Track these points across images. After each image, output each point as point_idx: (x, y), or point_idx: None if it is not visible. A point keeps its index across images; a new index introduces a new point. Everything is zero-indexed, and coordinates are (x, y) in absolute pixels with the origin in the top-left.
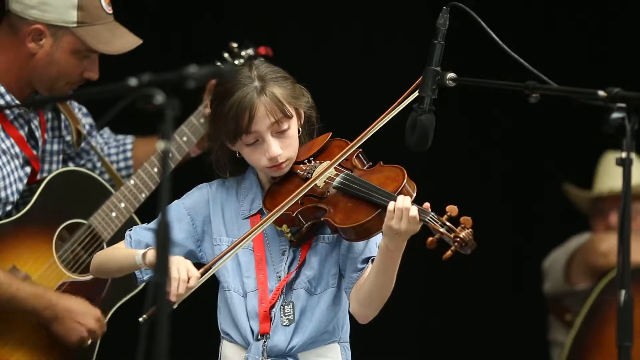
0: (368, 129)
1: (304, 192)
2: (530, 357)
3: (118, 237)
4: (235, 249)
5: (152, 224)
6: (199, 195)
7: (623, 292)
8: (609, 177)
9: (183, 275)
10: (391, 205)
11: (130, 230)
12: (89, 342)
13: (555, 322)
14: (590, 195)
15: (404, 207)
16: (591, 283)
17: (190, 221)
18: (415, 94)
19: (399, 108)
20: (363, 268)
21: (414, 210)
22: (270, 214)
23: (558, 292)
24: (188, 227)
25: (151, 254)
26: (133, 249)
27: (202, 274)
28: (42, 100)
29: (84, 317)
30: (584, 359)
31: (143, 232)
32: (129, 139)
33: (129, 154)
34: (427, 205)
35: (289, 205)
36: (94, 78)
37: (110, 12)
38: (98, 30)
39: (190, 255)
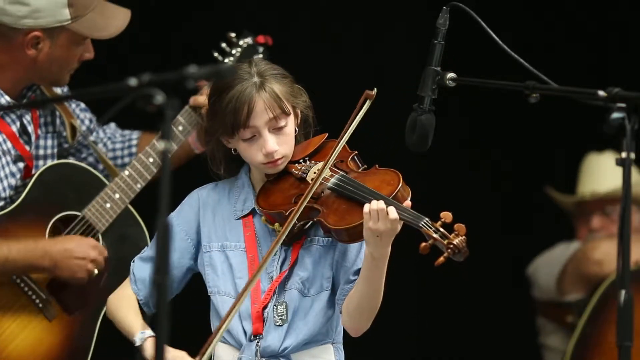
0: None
1: (309, 197)
2: None
3: (112, 228)
4: (247, 290)
5: (150, 250)
6: (189, 207)
7: (623, 292)
8: (591, 179)
9: None
10: (366, 207)
11: (134, 261)
12: (96, 271)
13: (547, 325)
14: (573, 200)
15: (379, 207)
16: (584, 293)
17: (186, 237)
18: None
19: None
20: (355, 280)
21: (392, 212)
22: (283, 229)
23: (551, 300)
24: (183, 244)
25: (146, 347)
26: (136, 327)
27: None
28: (42, 101)
29: (82, 251)
30: None
31: (144, 267)
32: (135, 134)
33: (134, 150)
34: (408, 203)
35: (298, 214)
36: (90, 57)
37: None
38: (91, 18)
39: (188, 271)
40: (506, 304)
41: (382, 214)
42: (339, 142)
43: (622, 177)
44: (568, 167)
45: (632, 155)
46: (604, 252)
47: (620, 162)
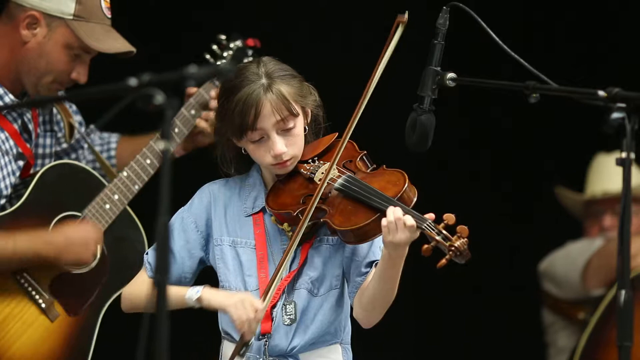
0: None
1: (318, 198)
2: (527, 359)
3: (111, 229)
4: (284, 264)
5: None
6: (199, 200)
7: (623, 292)
8: (602, 179)
9: (250, 314)
10: (384, 221)
11: (147, 254)
12: (100, 250)
13: (556, 322)
14: (583, 198)
15: (396, 218)
16: (609, 288)
17: (195, 229)
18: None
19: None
20: (367, 272)
21: (409, 220)
22: (296, 232)
23: (573, 299)
24: (193, 235)
25: (207, 297)
26: (180, 288)
27: (264, 299)
28: (41, 100)
29: (84, 236)
30: (598, 358)
31: None
32: (114, 137)
33: (112, 153)
34: (430, 215)
35: (309, 216)
36: (81, 81)
37: (109, 16)
38: (93, 27)
39: (200, 262)
40: (506, 302)
41: (400, 224)
42: (351, 121)
43: (622, 177)
44: (569, 167)
45: (632, 155)
46: (636, 247)
47: (620, 162)
